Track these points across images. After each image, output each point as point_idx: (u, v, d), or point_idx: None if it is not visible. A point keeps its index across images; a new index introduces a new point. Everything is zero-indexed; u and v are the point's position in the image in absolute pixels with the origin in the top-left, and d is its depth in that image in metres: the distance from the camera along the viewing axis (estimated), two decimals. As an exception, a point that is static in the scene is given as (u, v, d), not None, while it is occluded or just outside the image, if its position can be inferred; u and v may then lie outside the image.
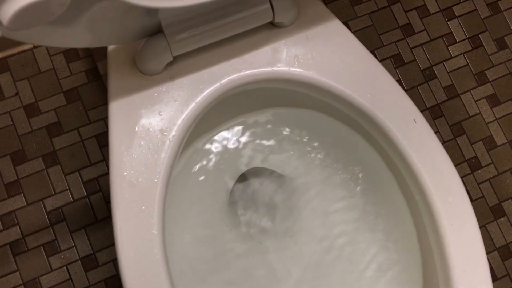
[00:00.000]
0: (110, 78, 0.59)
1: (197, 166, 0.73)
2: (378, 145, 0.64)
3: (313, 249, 0.72)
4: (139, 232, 0.54)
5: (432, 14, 1.07)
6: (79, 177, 0.93)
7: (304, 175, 0.74)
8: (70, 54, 0.96)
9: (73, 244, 0.90)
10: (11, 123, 0.93)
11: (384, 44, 1.04)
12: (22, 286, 0.88)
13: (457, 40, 1.06)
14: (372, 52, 1.03)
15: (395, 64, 1.03)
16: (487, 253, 0.99)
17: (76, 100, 0.95)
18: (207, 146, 0.73)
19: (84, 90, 0.95)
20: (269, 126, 0.75)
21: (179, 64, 0.60)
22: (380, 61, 1.02)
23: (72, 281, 0.89)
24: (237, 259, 0.72)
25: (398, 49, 1.04)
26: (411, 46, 1.05)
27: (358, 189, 0.72)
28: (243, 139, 0.74)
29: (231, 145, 0.74)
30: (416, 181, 0.58)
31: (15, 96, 0.94)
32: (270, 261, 0.72)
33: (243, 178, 0.77)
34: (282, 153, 0.74)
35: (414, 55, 1.05)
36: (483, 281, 0.57)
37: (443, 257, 0.57)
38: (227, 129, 0.75)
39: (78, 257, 0.90)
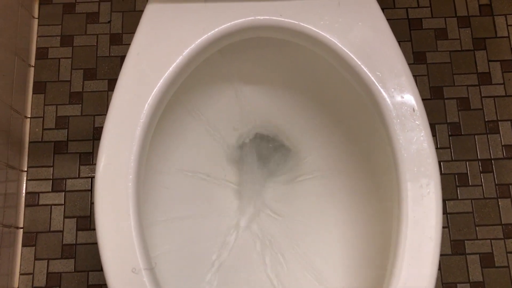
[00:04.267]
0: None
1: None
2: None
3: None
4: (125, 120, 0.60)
5: (517, 71, 1.03)
6: (132, 108, 1.02)
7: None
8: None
9: (104, 162, 0.99)
10: (95, 44, 1.05)
11: (455, 85, 1.02)
12: (51, 180, 0.98)
13: (534, 104, 1.02)
14: (440, 88, 1.02)
15: (460, 106, 1.01)
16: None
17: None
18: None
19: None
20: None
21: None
22: (445, 99, 1.01)
23: (91, 192, 0.98)
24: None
25: (468, 93, 1.02)
26: (482, 95, 1.02)
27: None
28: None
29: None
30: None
31: (107, 24, 1.06)
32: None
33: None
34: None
35: (482, 104, 1.02)
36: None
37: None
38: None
39: (104, 174, 0.98)
